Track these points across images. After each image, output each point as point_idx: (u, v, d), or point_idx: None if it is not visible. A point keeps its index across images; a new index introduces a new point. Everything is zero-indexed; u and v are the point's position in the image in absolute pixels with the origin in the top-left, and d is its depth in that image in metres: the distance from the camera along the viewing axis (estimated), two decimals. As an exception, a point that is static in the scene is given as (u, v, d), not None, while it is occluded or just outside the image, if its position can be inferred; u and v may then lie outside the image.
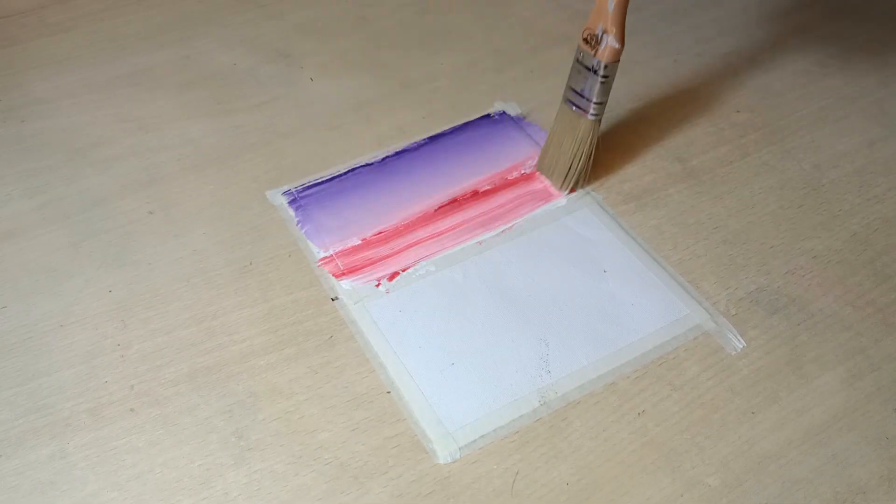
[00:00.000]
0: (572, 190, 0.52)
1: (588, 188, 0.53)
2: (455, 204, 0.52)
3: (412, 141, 0.56)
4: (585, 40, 0.48)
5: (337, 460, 0.39)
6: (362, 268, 0.48)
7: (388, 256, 0.48)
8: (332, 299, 0.46)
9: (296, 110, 0.58)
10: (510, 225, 0.50)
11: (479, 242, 0.49)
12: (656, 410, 0.42)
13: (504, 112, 0.58)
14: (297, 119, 0.57)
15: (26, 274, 0.47)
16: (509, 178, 0.53)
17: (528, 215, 0.51)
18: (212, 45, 0.64)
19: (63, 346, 0.44)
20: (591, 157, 0.51)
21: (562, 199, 0.52)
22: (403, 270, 0.48)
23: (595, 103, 0.49)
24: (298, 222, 0.50)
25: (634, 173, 0.54)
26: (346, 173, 0.53)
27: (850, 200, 0.52)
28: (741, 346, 0.44)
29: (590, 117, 0.50)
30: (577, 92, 0.50)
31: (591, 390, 0.42)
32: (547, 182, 0.53)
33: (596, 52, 0.48)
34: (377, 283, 0.47)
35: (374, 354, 0.44)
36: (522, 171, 0.54)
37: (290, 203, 0.51)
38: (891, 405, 0.42)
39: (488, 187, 0.53)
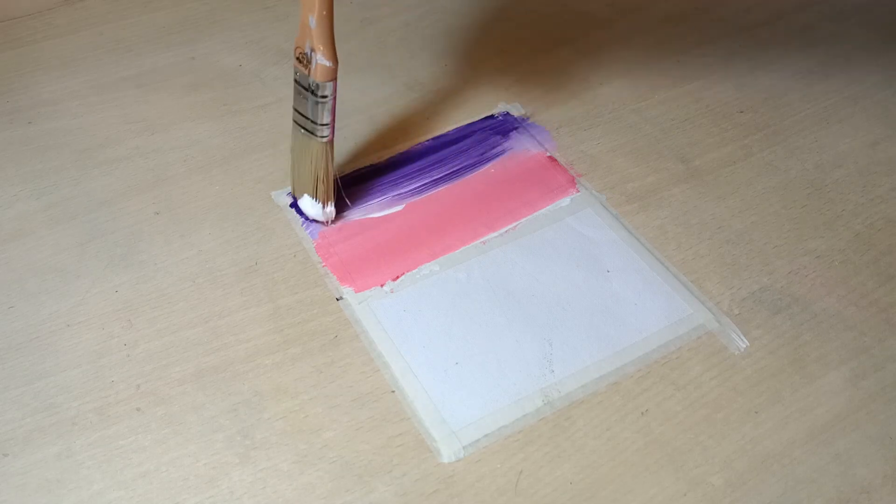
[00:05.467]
0: (335, 208, 0.49)
1: (591, 188, 0.53)
2: (459, 204, 0.52)
3: (416, 142, 0.56)
4: (298, 59, 0.44)
5: (341, 459, 0.40)
6: (367, 268, 0.48)
7: (392, 256, 0.48)
8: (337, 299, 0.46)
9: (300, 111, 0.58)
10: (514, 225, 0.50)
11: (483, 242, 0.49)
12: (660, 410, 0.42)
13: (507, 113, 0.58)
14: (301, 120, 0.58)
15: (33, 274, 0.48)
16: (513, 178, 0.53)
17: (531, 216, 0.51)
18: (217, 46, 0.64)
19: (70, 345, 0.44)
20: (331, 176, 0.48)
21: (566, 200, 0.52)
22: (408, 270, 0.48)
23: (320, 125, 0.46)
24: (303, 223, 0.50)
25: (637, 174, 0.54)
26: (350, 174, 0.54)
27: (853, 200, 0.53)
28: (744, 346, 0.45)
29: (319, 139, 0.46)
30: (300, 114, 0.46)
31: (594, 390, 0.43)
32: (303, 203, 0.49)
33: (309, 71, 0.44)
34: (381, 282, 0.47)
35: (378, 354, 0.44)
36: (526, 171, 0.54)
37: (295, 204, 0.52)
38: (895, 405, 0.42)
39: (492, 188, 0.53)
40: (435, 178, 0.53)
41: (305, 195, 0.49)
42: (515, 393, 0.42)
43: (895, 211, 0.52)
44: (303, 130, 0.47)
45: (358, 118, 0.58)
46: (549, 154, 0.55)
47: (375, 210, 0.51)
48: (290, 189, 0.52)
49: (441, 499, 0.39)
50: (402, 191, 0.52)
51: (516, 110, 0.58)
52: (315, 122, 0.46)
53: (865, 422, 0.42)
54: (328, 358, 0.44)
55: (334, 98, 0.45)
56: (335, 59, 0.44)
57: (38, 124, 0.57)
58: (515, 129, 0.57)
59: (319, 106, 0.45)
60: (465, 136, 0.56)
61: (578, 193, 0.52)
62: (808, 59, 0.63)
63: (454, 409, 0.42)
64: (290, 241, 0.50)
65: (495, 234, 0.50)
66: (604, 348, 0.44)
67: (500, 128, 0.57)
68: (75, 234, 0.50)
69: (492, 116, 0.58)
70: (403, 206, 0.51)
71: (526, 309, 0.46)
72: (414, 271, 0.48)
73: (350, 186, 0.53)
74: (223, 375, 0.43)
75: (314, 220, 0.50)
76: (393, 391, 0.42)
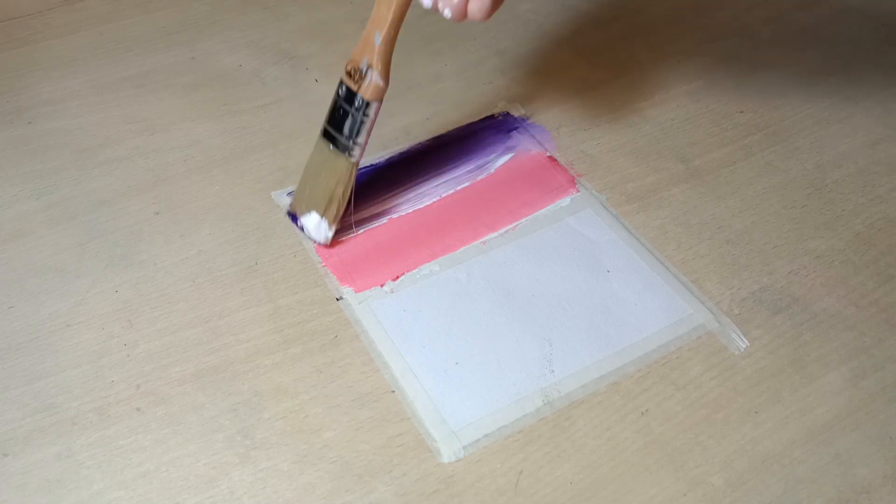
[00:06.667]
0: (336, 232, 0.48)
1: (591, 188, 0.53)
2: (459, 204, 0.52)
3: (416, 142, 0.56)
4: (349, 73, 0.45)
5: (341, 459, 0.40)
6: (367, 268, 0.48)
7: (392, 256, 0.48)
8: (337, 299, 0.46)
9: (301, 111, 0.58)
10: (514, 225, 0.50)
11: (483, 242, 0.49)
12: (660, 410, 0.42)
13: (508, 113, 0.58)
14: (302, 120, 0.58)
15: (33, 274, 0.48)
16: (513, 178, 0.53)
17: (531, 216, 0.51)
18: (217, 46, 0.64)
19: (70, 345, 0.44)
20: (346, 197, 0.47)
21: (566, 200, 0.52)
22: (408, 270, 0.48)
23: (355, 143, 0.46)
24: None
25: (638, 174, 0.54)
26: (350, 174, 0.54)
27: (853, 200, 0.53)
28: (744, 346, 0.45)
29: (349, 157, 0.46)
30: (335, 129, 0.46)
31: (594, 390, 0.43)
32: (306, 220, 0.48)
33: (359, 87, 0.45)
34: (381, 282, 0.47)
35: (378, 354, 0.44)
36: (526, 171, 0.54)
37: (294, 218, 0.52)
38: (895, 404, 0.42)
39: (492, 188, 0.53)
40: (436, 181, 0.53)
41: (313, 212, 0.47)
42: (515, 393, 0.42)
43: (895, 211, 0.52)
44: (332, 146, 0.47)
45: (358, 118, 0.58)
46: (549, 154, 0.55)
47: (375, 211, 0.51)
48: (288, 191, 0.52)
49: (441, 499, 0.39)
50: (403, 191, 0.52)
51: (516, 110, 0.58)
52: (350, 139, 0.46)
53: (865, 422, 0.42)
54: (328, 358, 0.44)
55: (374, 119, 0.46)
56: (388, 80, 0.44)
57: (38, 124, 0.57)
58: (515, 129, 0.57)
59: (361, 124, 0.45)
60: (465, 137, 0.56)
61: (578, 193, 0.52)
62: (808, 59, 0.63)
63: (454, 409, 0.42)
64: (290, 241, 0.50)
65: (495, 234, 0.50)
66: (604, 348, 0.44)
67: (500, 128, 0.57)
68: (75, 234, 0.50)
69: (492, 116, 0.58)
70: (403, 207, 0.51)
71: (526, 309, 0.46)
72: (414, 271, 0.48)
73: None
74: (223, 375, 0.43)
75: (311, 240, 0.48)
76: (393, 391, 0.42)
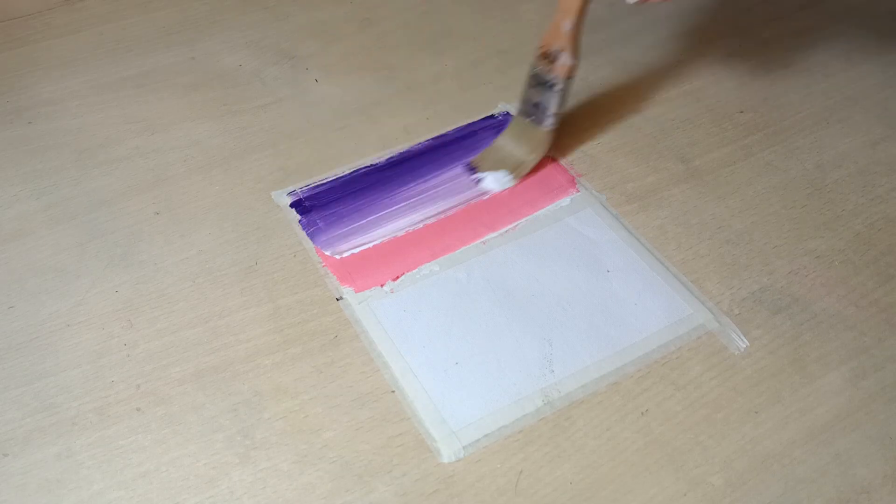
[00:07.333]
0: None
1: (591, 188, 0.53)
2: (459, 204, 0.52)
3: (417, 142, 0.56)
4: (543, 55, 0.52)
5: (341, 459, 0.40)
6: (367, 268, 0.48)
7: (392, 256, 0.48)
8: (337, 299, 0.46)
9: (301, 111, 0.58)
10: (514, 225, 0.50)
11: (484, 242, 0.49)
12: (660, 410, 0.42)
13: (508, 113, 0.58)
14: (302, 120, 0.58)
15: (33, 274, 0.48)
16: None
17: (531, 216, 0.51)
18: (217, 46, 0.64)
19: (70, 345, 0.44)
20: (538, 160, 0.53)
21: (566, 200, 0.52)
22: (408, 270, 0.48)
23: (551, 115, 0.52)
24: (301, 221, 0.50)
25: (638, 174, 0.54)
26: (350, 174, 0.54)
27: (853, 200, 0.53)
28: (744, 346, 0.45)
29: (544, 127, 0.53)
30: (533, 104, 0.53)
31: (594, 390, 0.43)
32: (487, 175, 0.53)
33: (552, 68, 0.51)
34: (381, 282, 0.47)
35: (378, 354, 0.44)
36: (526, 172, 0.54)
37: (295, 204, 0.52)
38: (895, 404, 0.42)
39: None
40: (436, 181, 0.53)
41: (502, 170, 0.53)
42: (515, 393, 0.42)
43: (895, 211, 0.52)
44: (529, 119, 0.53)
45: (358, 118, 0.58)
46: (549, 154, 0.55)
47: (374, 212, 0.51)
48: (289, 191, 0.52)
49: (441, 499, 0.39)
50: (403, 191, 0.52)
51: (516, 110, 0.58)
52: (546, 113, 0.52)
53: (865, 422, 0.42)
54: (328, 358, 0.44)
55: (567, 92, 0.52)
56: (578, 58, 0.51)
57: (38, 124, 0.57)
58: (515, 129, 0.57)
59: (554, 98, 0.52)
60: (465, 136, 0.56)
61: (578, 193, 0.52)
62: (808, 60, 0.63)
63: (454, 409, 0.42)
64: (290, 241, 0.50)
65: (495, 233, 0.50)
66: (604, 348, 0.44)
67: (500, 128, 0.57)
68: (75, 234, 0.50)
69: (492, 116, 0.58)
70: (403, 207, 0.51)
71: (526, 309, 0.46)
72: (414, 271, 0.48)
73: (350, 187, 0.53)
74: (223, 375, 0.43)
75: (488, 190, 0.52)
76: (393, 391, 0.42)
